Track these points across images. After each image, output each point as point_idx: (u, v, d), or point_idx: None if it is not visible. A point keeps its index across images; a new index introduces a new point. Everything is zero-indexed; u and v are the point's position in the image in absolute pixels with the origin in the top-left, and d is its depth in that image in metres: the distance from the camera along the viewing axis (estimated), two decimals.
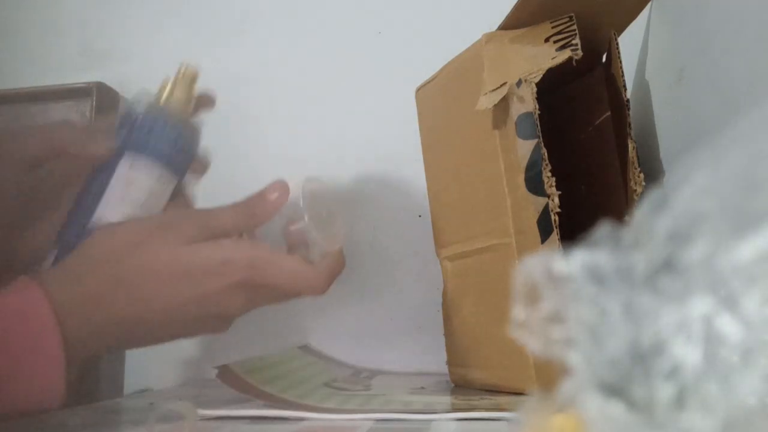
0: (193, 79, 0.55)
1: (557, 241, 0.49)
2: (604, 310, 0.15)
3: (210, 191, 0.55)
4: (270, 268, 0.48)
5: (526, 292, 0.16)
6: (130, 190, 0.52)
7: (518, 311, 0.16)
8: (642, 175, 0.51)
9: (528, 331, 0.16)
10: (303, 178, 0.53)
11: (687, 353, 0.14)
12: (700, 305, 0.14)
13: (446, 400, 0.55)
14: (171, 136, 0.53)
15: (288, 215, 0.52)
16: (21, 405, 0.42)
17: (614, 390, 0.15)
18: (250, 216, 0.50)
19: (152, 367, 0.83)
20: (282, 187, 0.52)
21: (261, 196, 0.51)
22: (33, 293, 0.43)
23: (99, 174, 0.53)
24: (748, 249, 0.14)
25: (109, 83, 0.88)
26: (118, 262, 0.46)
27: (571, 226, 0.47)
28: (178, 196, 0.56)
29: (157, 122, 0.53)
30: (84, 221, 0.52)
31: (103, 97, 0.86)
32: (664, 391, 0.14)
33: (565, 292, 0.16)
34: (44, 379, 0.42)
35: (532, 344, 0.16)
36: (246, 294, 0.49)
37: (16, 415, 0.44)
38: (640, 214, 0.17)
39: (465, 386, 0.63)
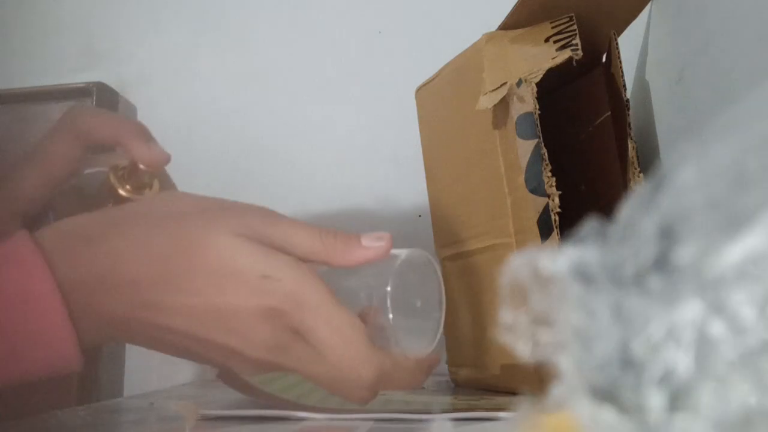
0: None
1: (557, 241, 0.49)
2: (593, 312, 0.15)
3: (210, 192, 0.54)
4: (316, 316, 0.36)
5: (513, 294, 0.16)
6: None
7: (505, 314, 0.15)
8: (642, 175, 0.51)
9: (516, 334, 0.15)
10: (407, 250, 0.40)
11: (678, 357, 0.14)
12: (690, 308, 0.14)
13: (446, 400, 0.55)
14: None
15: (370, 283, 0.40)
16: (31, 366, 0.37)
17: (605, 395, 0.15)
18: (328, 250, 0.39)
19: (152, 368, 0.83)
20: (384, 238, 0.39)
21: (354, 236, 0.39)
22: (19, 240, 0.38)
23: None
24: (739, 249, 0.14)
25: (109, 83, 0.88)
26: (150, 224, 0.39)
27: (571, 226, 0.47)
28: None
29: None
30: None
31: (103, 97, 0.87)
32: (656, 396, 0.14)
33: (553, 292, 0.16)
34: (46, 331, 0.36)
35: (520, 348, 0.15)
36: (276, 333, 0.37)
37: (34, 380, 0.39)
38: (628, 210, 0.17)
39: (465, 386, 0.63)
